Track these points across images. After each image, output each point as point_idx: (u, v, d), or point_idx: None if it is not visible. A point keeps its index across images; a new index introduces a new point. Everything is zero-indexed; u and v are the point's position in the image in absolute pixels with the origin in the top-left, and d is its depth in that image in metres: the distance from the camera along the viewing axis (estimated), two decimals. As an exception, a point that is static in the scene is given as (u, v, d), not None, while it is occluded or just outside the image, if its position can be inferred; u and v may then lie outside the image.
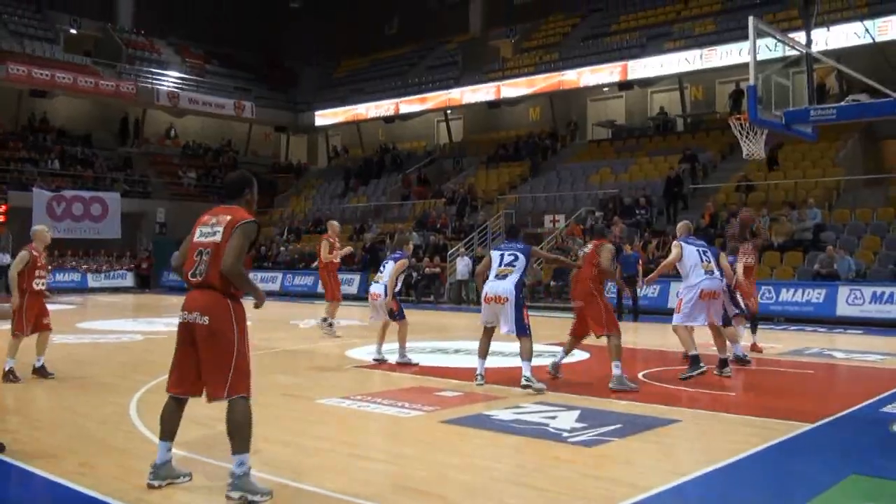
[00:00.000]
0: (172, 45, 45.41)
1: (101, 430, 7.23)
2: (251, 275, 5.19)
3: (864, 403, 8.57)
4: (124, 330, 16.82)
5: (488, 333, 9.60)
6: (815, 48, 9.95)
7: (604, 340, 9.59)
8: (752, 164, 25.34)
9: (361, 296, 25.04)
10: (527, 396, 8.74)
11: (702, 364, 9.93)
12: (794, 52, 9.81)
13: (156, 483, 5.31)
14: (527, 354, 9.13)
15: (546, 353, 12.54)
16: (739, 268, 12.48)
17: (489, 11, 43.08)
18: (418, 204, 35.05)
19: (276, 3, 47.45)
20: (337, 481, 5.57)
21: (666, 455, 6.62)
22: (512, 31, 40.90)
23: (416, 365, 11.29)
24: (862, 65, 15.63)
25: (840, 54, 22.03)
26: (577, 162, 33.32)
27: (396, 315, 11.39)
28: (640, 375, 10.21)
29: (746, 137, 11.12)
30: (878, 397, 8.93)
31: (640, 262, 19.59)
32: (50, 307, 10.53)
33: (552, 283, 24.38)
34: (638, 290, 19.62)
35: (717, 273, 10.36)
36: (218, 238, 5.25)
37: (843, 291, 19.47)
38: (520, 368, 9.18)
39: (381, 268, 11.66)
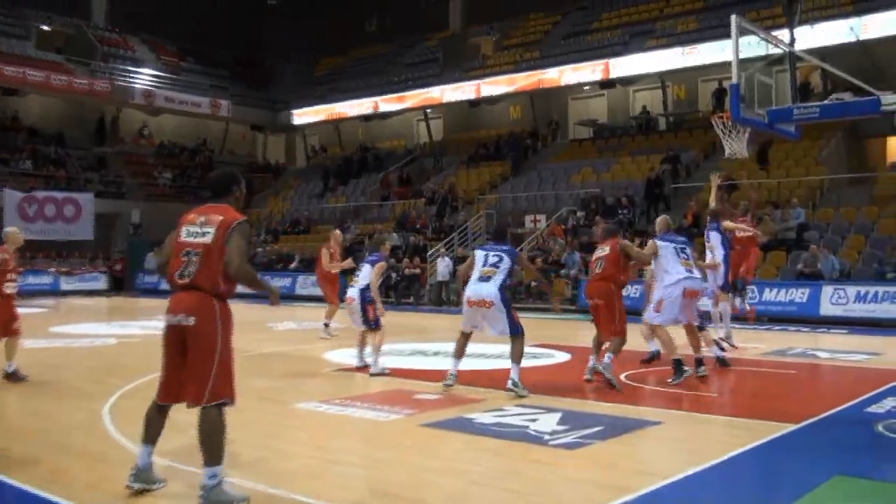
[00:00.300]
0: (147, 43, 45.16)
1: (73, 437, 7.16)
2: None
3: (848, 404, 8.61)
4: (98, 334, 16.66)
5: (466, 337, 9.49)
6: (798, 46, 9.99)
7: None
8: (734, 164, 25.37)
9: (341, 298, 24.96)
10: (507, 399, 8.71)
11: (686, 367, 9.92)
12: (777, 51, 9.85)
13: (135, 486, 5.21)
14: (517, 357, 9.05)
15: (527, 355, 12.54)
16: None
17: (469, 8, 43.17)
18: (398, 204, 35.02)
19: (254, -1, 47.39)
20: (314, 487, 5.54)
21: (648, 457, 6.63)
22: (492, 28, 40.93)
23: (388, 373, 10.81)
24: (846, 63, 15.75)
25: (824, 53, 22.12)
26: (558, 161, 33.38)
27: (371, 323, 10.93)
28: (622, 377, 10.22)
29: (729, 136, 11.17)
30: (862, 397, 8.96)
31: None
32: (21, 311, 10.43)
33: (532, 283, 24.39)
34: None
35: (696, 272, 10.36)
36: (209, 239, 5.13)
37: (827, 291, 19.58)
38: (504, 371, 9.14)
39: (357, 271, 11.40)
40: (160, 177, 41.01)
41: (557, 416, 7.80)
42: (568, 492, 5.50)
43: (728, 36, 9.31)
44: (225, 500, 4.97)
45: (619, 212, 26.06)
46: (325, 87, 44.55)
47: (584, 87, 34.73)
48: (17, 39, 38.93)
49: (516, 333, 9.11)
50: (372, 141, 42.89)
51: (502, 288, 9.18)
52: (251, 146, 48.37)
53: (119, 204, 38.18)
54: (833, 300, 19.43)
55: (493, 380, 9.62)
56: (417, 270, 27.41)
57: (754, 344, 14.04)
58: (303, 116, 44.05)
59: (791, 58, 9.82)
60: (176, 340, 5.17)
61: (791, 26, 10.35)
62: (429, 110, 40.01)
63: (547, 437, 6.97)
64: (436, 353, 13.11)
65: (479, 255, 9.55)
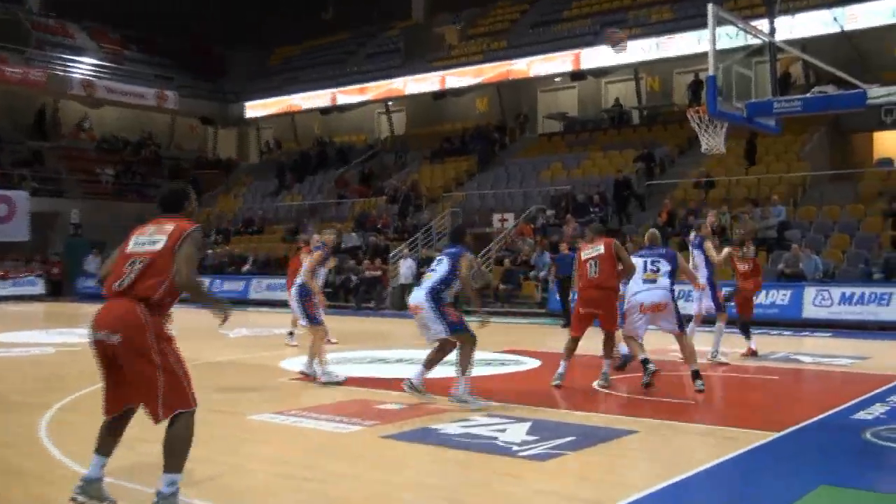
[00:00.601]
0: (87, 30, 44.66)
1: (7, 455, 7.04)
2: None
3: (833, 410, 8.71)
4: (34, 342, 16.43)
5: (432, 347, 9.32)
6: (779, 37, 10.10)
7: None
8: (711, 159, 25.50)
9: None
10: (474, 409, 8.69)
11: (651, 364, 9.91)
12: (756, 41, 9.95)
13: (80, 499, 5.13)
14: (465, 364, 8.85)
15: (495, 362, 12.57)
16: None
17: (433, -4, 43.15)
18: (358, 202, 34.90)
19: (203, -17, 46.99)
20: (270, 504, 5.51)
21: (623, 468, 6.66)
22: (458, 17, 40.95)
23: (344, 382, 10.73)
24: (829, 54, 15.94)
25: (806, 43, 22.45)
26: (526, 157, 33.48)
27: (311, 318, 10.76)
28: (594, 385, 10.25)
29: (706, 131, 11.27)
30: (848, 403, 9.07)
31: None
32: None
33: (501, 286, 24.42)
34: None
35: (661, 282, 10.16)
36: (158, 247, 5.15)
37: (810, 292, 19.76)
38: (475, 378, 9.09)
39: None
40: (102, 173, 40.52)
41: (527, 425, 7.81)
42: (539, 506, 5.51)
43: (704, 26, 9.38)
44: None
45: (591, 210, 26.11)
46: (280, 78, 44.32)
47: (555, 79, 34.80)
48: (-57, 25, 38.37)
49: (457, 331, 8.88)
50: (330, 135, 42.73)
51: (431, 292, 8.96)
52: (200, 140, 47.96)
53: (57, 202, 37.62)
54: (816, 302, 19.61)
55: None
56: (378, 272, 27.34)
57: (735, 349, 14.15)
58: (256, 109, 43.76)
59: (771, 49, 9.93)
60: (104, 355, 5.16)
61: (771, 16, 10.48)
62: (390, 103, 39.94)
63: (516, 448, 6.97)
64: (398, 361, 13.07)
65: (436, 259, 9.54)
